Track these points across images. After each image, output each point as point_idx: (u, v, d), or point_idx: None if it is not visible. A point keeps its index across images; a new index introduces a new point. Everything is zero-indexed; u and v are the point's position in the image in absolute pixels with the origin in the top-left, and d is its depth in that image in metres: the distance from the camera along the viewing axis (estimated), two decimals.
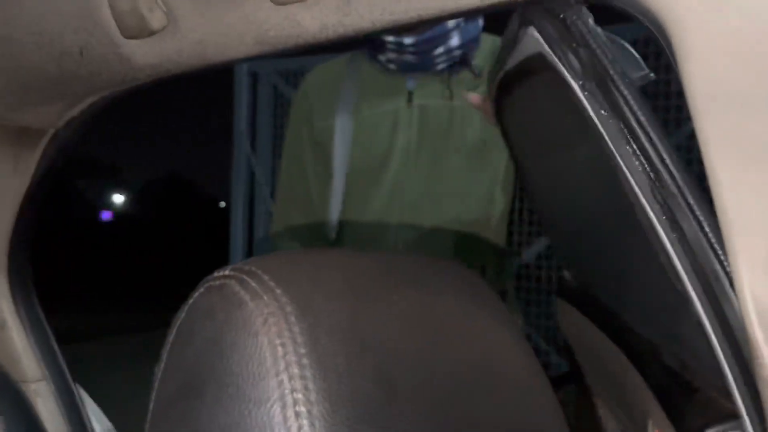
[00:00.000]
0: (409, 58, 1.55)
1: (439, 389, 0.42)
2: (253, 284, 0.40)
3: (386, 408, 0.39)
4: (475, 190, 1.65)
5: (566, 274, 1.41)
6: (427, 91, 1.60)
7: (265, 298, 0.39)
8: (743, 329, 0.69)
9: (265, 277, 0.40)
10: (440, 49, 1.54)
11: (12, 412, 0.91)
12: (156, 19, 0.73)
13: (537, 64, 0.88)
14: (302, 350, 0.38)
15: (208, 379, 0.39)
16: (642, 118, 0.75)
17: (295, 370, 0.38)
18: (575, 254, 1.27)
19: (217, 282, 0.41)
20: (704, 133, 0.58)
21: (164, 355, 0.42)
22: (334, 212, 1.66)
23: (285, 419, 0.37)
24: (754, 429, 0.69)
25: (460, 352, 0.45)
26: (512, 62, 1.00)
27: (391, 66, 1.59)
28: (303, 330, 0.39)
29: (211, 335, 0.40)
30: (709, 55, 0.56)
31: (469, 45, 1.57)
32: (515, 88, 1.07)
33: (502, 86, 1.14)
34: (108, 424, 1.06)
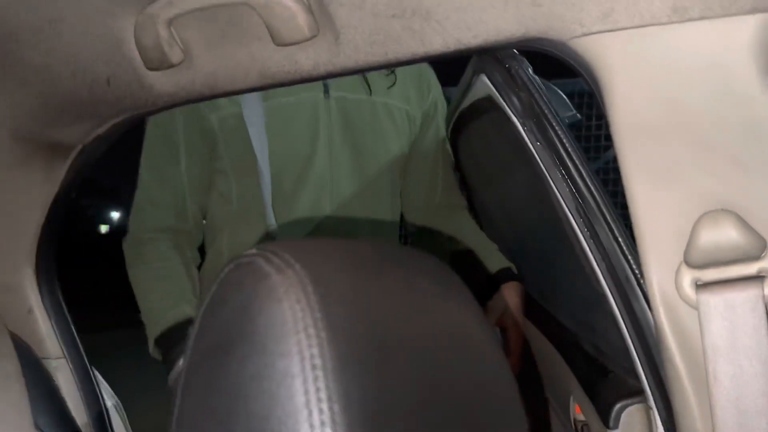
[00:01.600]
0: None
1: (421, 350, 0.43)
2: (277, 261, 0.40)
3: (382, 364, 0.40)
4: (386, 191, 1.40)
5: None
6: (342, 84, 1.33)
7: (287, 272, 0.40)
8: (647, 320, 0.72)
9: (286, 255, 0.40)
10: None
11: (36, 382, 0.89)
12: (175, 55, 0.73)
13: (487, 105, 0.91)
14: (317, 315, 0.38)
15: (237, 338, 0.39)
16: (569, 149, 0.78)
17: (312, 331, 0.38)
18: (517, 265, 1.29)
19: (246, 259, 0.41)
20: (624, 157, 0.60)
21: (198, 320, 0.42)
22: (269, 213, 1.29)
23: (303, 369, 0.37)
24: (655, 401, 0.72)
25: (436, 323, 0.46)
26: (466, 103, 1.02)
27: None
28: (318, 299, 0.39)
29: (240, 303, 0.40)
30: (630, 95, 0.58)
31: None
32: (468, 125, 1.09)
33: (456, 124, 1.16)
34: (115, 398, 1.03)
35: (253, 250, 0.41)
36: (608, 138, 0.65)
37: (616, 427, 0.86)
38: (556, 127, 0.78)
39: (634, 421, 0.85)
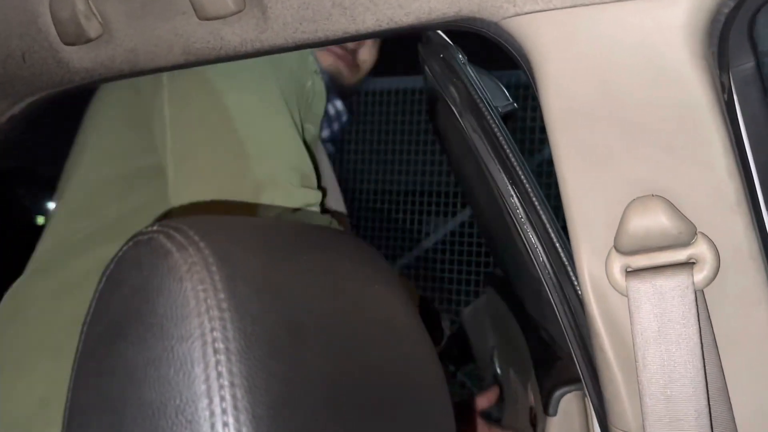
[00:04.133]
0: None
1: (338, 334, 0.41)
2: (179, 238, 0.37)
3: (293, 347, 0.38)
4: None
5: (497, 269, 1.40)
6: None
7: (190, 249, 0.37)
8: (580, 307, 0.70)
9: (190, 233, 0.38)
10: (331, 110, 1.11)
11: None
12: (92, 28, 0.69)
13: (435, 96, 0.89)
14: (222, 295, 0.36)
15: (134, 320, 0.36)
16: (501, 138, 0.76)
17: (215, 312, 0.35)
18: (493, 251, 1.26)
19: (146, 236, 0.38)
20: (556, 142, 0.58)
21: (93, 302, 0.39)
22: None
23: (204, 354, 0.35)
24: (588, 389, 0.71)
25: (356, 306, 0.44)
26: (428, 94, 0.99)
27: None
28: (222, 278, 0.36)
29: (138, 282, 0.37)
30: (562, 77, 0.57)
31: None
32: (434, 115, 1.06)
33: (431, 113, 1.13)
34: None
35: (154, 227, 0.38)
36: None
37: (554, 414, 0.84)
38: (488, 118, 0.77)
39: (572, 409, 0.84)
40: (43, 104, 0.80)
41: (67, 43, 0.71)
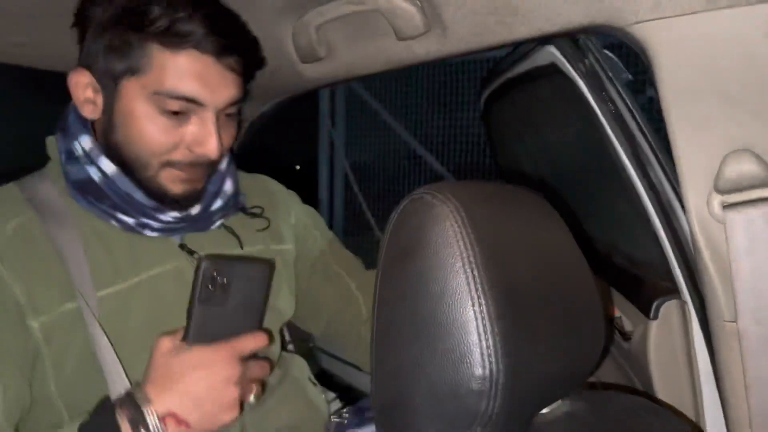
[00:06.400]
0: (181, 225, 0.92)
1: (533, 259, 0.62)
2: (440, 196, 0.57)
3: (511, 262, 0.58)
4: None
5: None
6: (205, 240, 0.95)
7: (447, 203, 0.57)
8: (685, 235, 0.86)
9: (446, 193, 0.58)
10: (218, 203, 0.95)
11: None
12: (322, 50, 0.92)
13: (548, 71, 1.04)
14: (469, 230, 0.55)
15: (417, 246, 0.57)
16: (628, 103, 0.90)
17: (466, 240, 0.55)
18: (551, 194, 1.35)
19: (418, 195, 0.59)
20: (669, 113, 0.71)
21: (386, 237, 0.60)
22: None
23: (463, 264, 0.55)
24: (690, 296, 0.86)
25: (548, 247, 0.63)
26: (518, 70, 1.14)
27: (147, 232, 0.89)
28: (468, 221, 0.56)
29: (416, 224, 0.58)
30: (673, 67, 0.69)
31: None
32: (517, 87, 1.20)
33: (498, 91, 1.28)
34: None
35: (422, 189, 0.61)
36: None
37: (656, 317, 0.97)
38: (615, 86, 0.89)
39: (671, 313, 0.96)
40: (284, 103, 1.05)
41: (303, 62, 0.94)
